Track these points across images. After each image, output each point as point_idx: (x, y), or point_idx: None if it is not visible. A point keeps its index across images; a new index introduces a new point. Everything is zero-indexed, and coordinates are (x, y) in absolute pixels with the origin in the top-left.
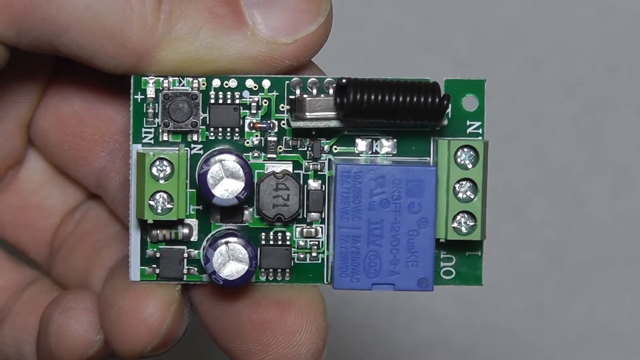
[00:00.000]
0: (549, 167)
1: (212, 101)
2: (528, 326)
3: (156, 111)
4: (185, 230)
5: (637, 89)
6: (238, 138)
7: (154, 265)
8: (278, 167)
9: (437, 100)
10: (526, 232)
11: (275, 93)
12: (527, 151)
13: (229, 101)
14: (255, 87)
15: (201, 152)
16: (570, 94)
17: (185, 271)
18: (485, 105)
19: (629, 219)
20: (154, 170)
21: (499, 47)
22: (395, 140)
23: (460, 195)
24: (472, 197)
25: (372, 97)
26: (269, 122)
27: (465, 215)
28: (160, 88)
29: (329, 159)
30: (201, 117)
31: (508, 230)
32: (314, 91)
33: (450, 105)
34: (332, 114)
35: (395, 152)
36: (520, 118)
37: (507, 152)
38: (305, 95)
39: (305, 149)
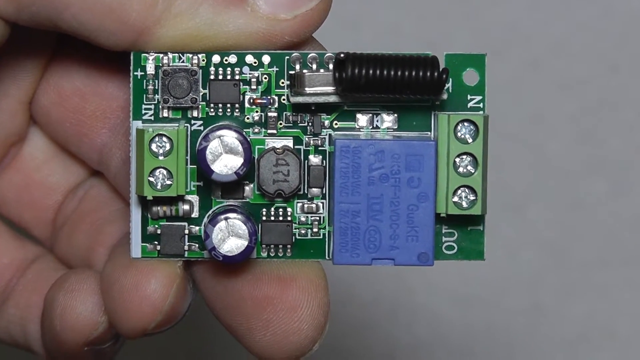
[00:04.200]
0: (548, 167)
1: (212, 77)
2: (528, 326)
3: (156, 87)
4: (186, 207)
5: (637, 89)
6: (238, 114)
7: (155, 242)
8: (278, 143)
9: (436, 74)
10: (526, 232)
11: (275, 69)
12: (526, 151)
13: (228, 77)
14: (255, 62)
15: (201, 128)
16: (570, 94)
17: (186, 247)
18: (487, 79)
19: (628, 218)
20: (153, 146)
21: (499, 47)
22: (396, 115)
23: (460, 169)
24: (473, 171)
25: (371, 71)
26: (269, 97)
27: (466, 190)
28: (160, 64)
29: (330, 134)
30: (201, 93)
31: (508, 230)
32: (314, 66)
33: (449, 79)
34: (331, 88)
35: (396, 127)
36: (520, 118)
37: (507, 152)
38: (304, 71)
39: (306, 124)
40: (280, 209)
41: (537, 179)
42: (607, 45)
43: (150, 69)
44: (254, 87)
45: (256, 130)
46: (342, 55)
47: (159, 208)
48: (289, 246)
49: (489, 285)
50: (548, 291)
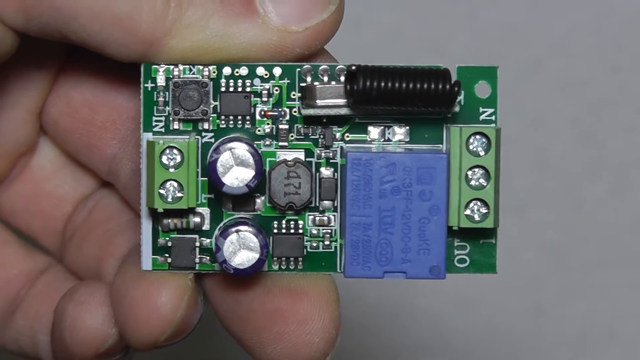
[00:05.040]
0: (549, 167)
1: (223, 89)
2: (528, 326)
3: (166, 99)
4: (197, 219)
5: (637, 89)
6: (249, 126)
7: (166, 255)
8: (290, 155)
9: (447, 87)
10: (527, 232)
11: (286, 81)
12: (527, 152)
13: (239, 89)
14: (266, 74)
15: (212, 140)
16: (571, 95)
17: (197, 260)
18: (498, 92)
19: (629, 219)
20: (164, 158)
21: (499, 48)
22: (407, 127)
23: (472, 182)
24: (485, 184)
25: (382, 84)
26: (280, 110)
27: (478, 203)
28: (171, 76)
29: (341, 147)
30: (212, 105)
31: (509, 230)
32: (325, 78)
33: (461, 92)
34: (342, 101)
35: (407, 140)
36: (521, 118)
37: (508, 152)
38: (316, 83)
39: (317, 136)
40: (292, 222)
41: (537, 180)
42: (608, 45)
43: (160, 80)
44: (265, 99)
45: (267, 142)
46: (353, 67)
47: (169, 220)
48: (300, 259)
49: (490, 287)
50: (549, 292)
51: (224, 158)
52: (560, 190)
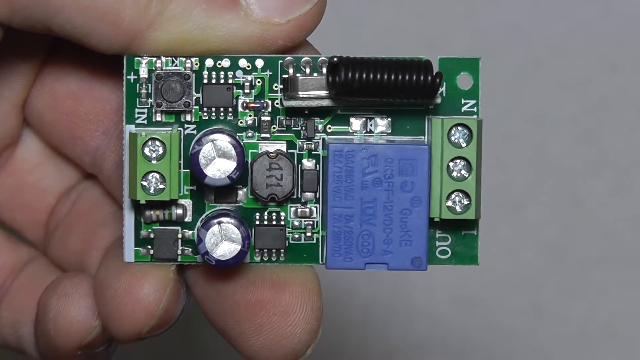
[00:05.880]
0: (548, 166)
1: (205, 81)
2: (527, 326)
3: (149, 91)
4: (179, 211)
5: (637, 89)
6: (232, 118)
7: (148, 246)
8: (272, 147)
9: (429, 78)
10: (526, 231)
11: (268, 72)
12: (527, 151)
13: (222, 81)
14: (248, 66)
15: (195, 132)
16: (570, 94)
17: (179, 252)
18: (480, 83)
19: (628, 218)
20: (146, 150)
21: (499, 47)
22: (389, 119)
23: (454, 173)
24: (467, 175)
25: (364, 75)
26: (262, 101)
27: (460, 194)
28: (153, 68)
29: (323, 139)
30: (194, 97)
31: (507, 229)
32: (307, 70)
33: (443, 83)
34: (324, 93)
35: (389, 131)
36: (520, 118)
37: (507, 151)
38: (298, 75)
39: (299, 128)
40: (274, 213)
41: (537, 179)
42: (607, 45)
43: (143, 72)
44: (247, 91)
45: (249, 134)
46: (335, 59)
47: (152, 212)
48: (282, 250)
49: (488, 286)
50: (548, 291)
51: (206, 150)
52: (559, 188)
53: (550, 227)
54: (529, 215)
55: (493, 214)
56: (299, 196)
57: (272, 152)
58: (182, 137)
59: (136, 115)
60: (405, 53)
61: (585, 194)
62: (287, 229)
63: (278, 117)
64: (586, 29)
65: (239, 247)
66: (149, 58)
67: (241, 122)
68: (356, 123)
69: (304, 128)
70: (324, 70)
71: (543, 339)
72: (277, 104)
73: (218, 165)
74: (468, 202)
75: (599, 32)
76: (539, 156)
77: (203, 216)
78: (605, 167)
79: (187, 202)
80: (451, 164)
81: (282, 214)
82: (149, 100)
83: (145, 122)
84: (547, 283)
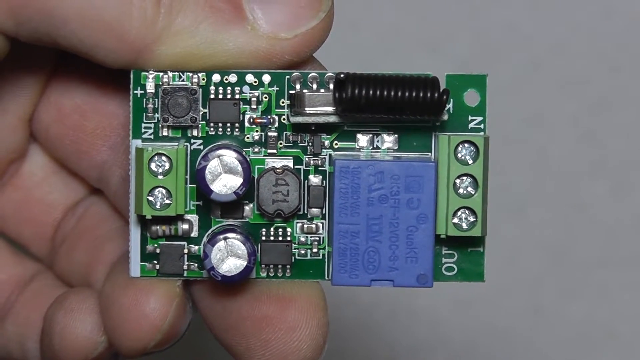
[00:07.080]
0: (549, 167)
1: (212, 96)
2: (528, 326)
3: (156, 106)
4: (185, 226)
5: (637, 89)
6: (238, 133)
7: (154, 261)
8: (278, 163)
9: (436, 95)
10: (526, 232)
11: (275, 88)
12: (527, 152)
13: (228, 96)
14: (255, 82)
15: (201, 147)
16: (571, 95)
17: (185, 267)
18: (487, 100)
19: (629, 219)
20: (153, 165)
21: (499, 48)
22: (396, 135)
23: (460, 190)
24: (473, 192)
25: (371, 92)
26: (269, 117)
27: (466, 211)
28: (160, 83)
29: (330, 155)
30: (201, 113)
31: (508, 230)
32: (314, 86)
33: (450, 100)
34: (331, 109)
35: (396, 148)
36: (521, 119)
37: (508, 152)
38: (305, 90)
39: (306, 144)
40: (280, 229)
41: (537, 180)
42: (607, 45)
43: (150, 87)
44: (254, 106)
45: (256, 149)
46: (342, 75)
47: (158, 227)
48: (288, 266)
49: (489, 287)
50: (548, 291)
51: (213, 165)
52: (559, 190)
53: (550, 228)
54: (529, 217)
55: (493, 215)
56: (305, 212)
57: (278, 168)
58: (188, 152)
59: (143, 130)
60: (406, 53)
61: (586, 196)
62: (293, 245)
63: (285, 132)
64: (586, 29)
65: (244, 263)
66: (155, 73)
67: (248, 138)
68: (363, 139)
69: (310, 144)
70: (331, 86)
71: (543, 339)
72: (283, 119)
73: (224, 181)
74: (474, 219)
75: (599, 32)
76: (539, 157)
77: (209, 231)
78: (605, 168)
79: (193, 218)
80: (457, 180)
81: (289, 229)
82: (156, 115)
83: (151, 137)
84: (547, 285)
